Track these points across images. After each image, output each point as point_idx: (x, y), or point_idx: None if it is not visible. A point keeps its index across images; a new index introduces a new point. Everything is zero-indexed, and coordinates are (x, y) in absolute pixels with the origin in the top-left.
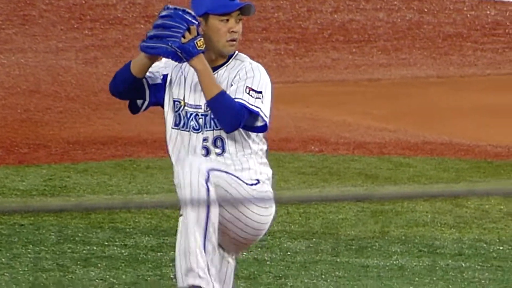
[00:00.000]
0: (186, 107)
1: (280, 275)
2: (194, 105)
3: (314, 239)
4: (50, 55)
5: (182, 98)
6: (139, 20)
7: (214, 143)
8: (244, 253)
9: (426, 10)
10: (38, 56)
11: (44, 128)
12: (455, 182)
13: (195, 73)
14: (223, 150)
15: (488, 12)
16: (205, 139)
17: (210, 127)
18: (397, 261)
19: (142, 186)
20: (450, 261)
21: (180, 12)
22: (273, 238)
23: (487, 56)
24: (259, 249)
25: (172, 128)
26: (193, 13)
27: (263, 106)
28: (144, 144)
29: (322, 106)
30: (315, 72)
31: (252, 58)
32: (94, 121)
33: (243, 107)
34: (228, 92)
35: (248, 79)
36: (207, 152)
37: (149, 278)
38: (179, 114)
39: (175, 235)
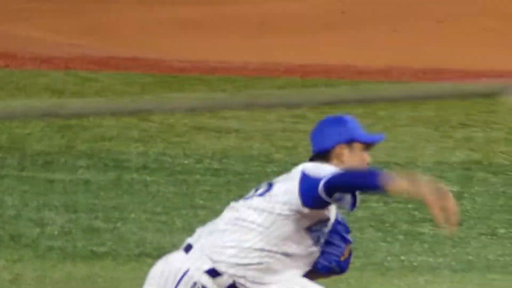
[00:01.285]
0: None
1: None
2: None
3: (0, 154)
4: None
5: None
6: None
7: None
8: None
9: None
10: None
11: None
12: (140, 97)
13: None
14: None
15: None
16: None
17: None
18: (83, 176)
19: None
20: (135, 175)
21: (339, 227)
22: None
23: None
24: None
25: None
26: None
27: None
28: None
29: (10, 20)
30: None
31: None
32: None
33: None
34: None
35: None
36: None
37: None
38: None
39: None
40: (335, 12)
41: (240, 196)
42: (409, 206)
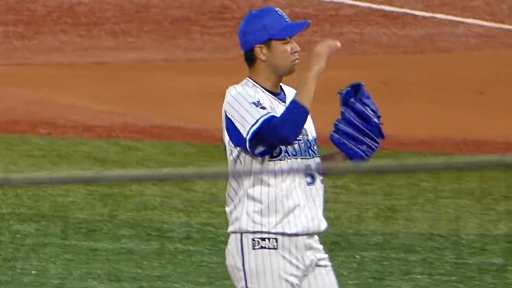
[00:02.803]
0: None
1: (10, 258)
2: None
3: (43, 222)
4: None
5: None
6: None
7: (318, 170)
8: None
9: None
10: None
11: None
12: (183, 166)
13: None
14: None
15: None
16: (307, 167)
17: (309, 154)
18: (126, 245)
19: None
20: (178, 244)
21: (376, 119)
22: (2, 220)
23: (215, 40)
24: None
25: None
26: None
27: None
28: None
29: (50, 89)
30: (43, 55)
31: None
32: None
33: None
34: None
35: None
36: (313, 180)
37: None
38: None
39: None
40: (376, 82)
41: None
42: (453, 278)
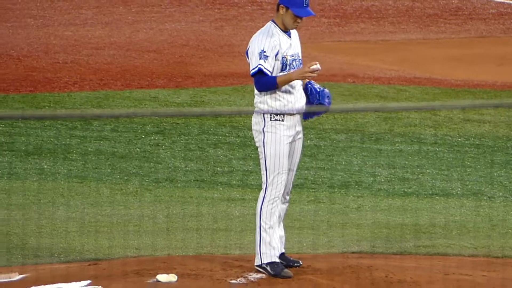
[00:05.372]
0: (288, 57)
1: (330, 155)
2: (291, 55)
3: (349, 134)
4: (194, 24)
5: (286, 54)
6: (247, 4)
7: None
8: (308, 141)
9: None
10: (187, 25)
11: (191, 67)
12: (432, 101)
13: (289, 42)
14: None
15: None
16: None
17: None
18: (399, 147)
19: (248, 101)
20: (429, 146)
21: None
22: (326, 132)
23: None
24: (316, 138)
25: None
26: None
27: None
28: (249, 77)
29: (357, 56)
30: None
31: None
32: (220, 63)
33: None
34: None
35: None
36: (300, 84)
37: (252, 155)
38: (285, 63)
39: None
40: None
41: None
42: None
